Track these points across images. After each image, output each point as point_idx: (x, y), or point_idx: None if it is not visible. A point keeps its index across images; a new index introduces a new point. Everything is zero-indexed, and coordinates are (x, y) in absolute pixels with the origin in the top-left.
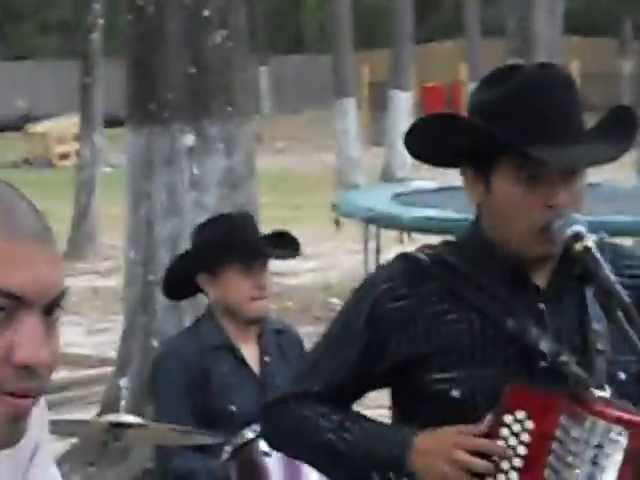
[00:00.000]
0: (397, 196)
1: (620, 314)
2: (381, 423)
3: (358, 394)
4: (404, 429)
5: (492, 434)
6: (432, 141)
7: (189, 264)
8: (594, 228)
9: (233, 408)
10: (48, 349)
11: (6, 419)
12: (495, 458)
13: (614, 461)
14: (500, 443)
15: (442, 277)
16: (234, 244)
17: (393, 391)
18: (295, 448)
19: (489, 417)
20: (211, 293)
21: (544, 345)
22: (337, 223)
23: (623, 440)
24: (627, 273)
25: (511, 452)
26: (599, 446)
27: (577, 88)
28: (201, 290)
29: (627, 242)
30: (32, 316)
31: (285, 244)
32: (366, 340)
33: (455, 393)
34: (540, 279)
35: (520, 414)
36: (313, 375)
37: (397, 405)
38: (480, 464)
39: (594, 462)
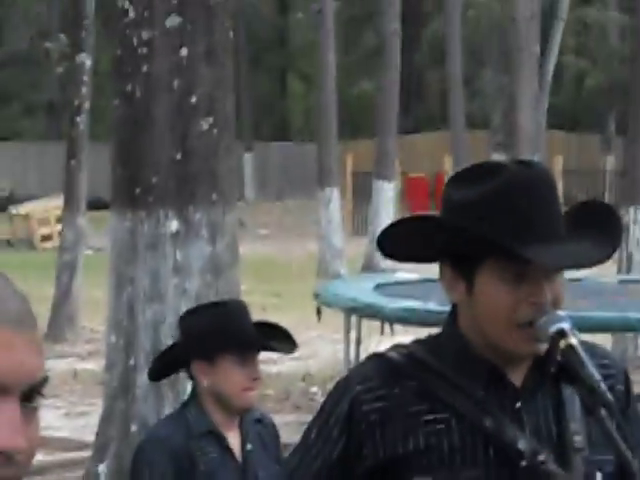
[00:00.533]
0: (379, 287)
1: (604, 412)
2: None
3: None
4: None
5: None
6: (413, 243)
7: (183, 352)
8: (577, 323)
9: None
10: (26, 436)
11: None
12: None
13: None
14: None
15: (417, 377)
16: (233, 333)
17: None
18: None
19: None
20: (204, 381)
21: (522, 444)
22: (319, 312)
23: None
24: (602, 373)
25: None
26: None
27: (556, 186)
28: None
29: (607, 338)
30: (10, 402)
31: (276, 335)
32: (344, 444)
33: None
34: (516, 378)
35: None
36: None
37: None
38: None
39: None
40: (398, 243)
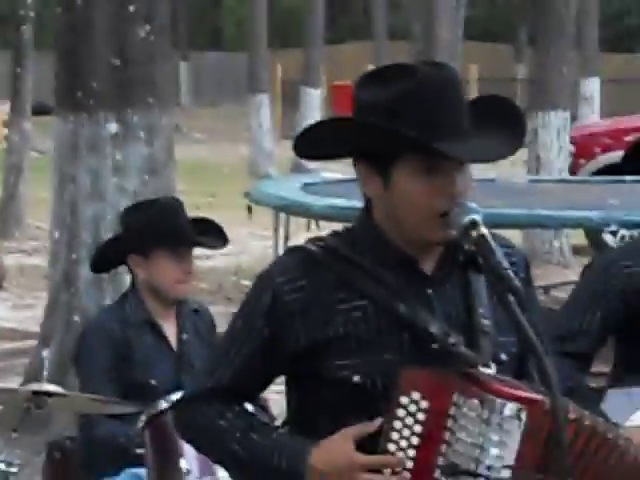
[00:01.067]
0: (306, 186)
1: (511, 297)
2: (282, 434)
3: (264, 384)
4: (299, 442)
5: (390, 414)
6: (327, 143)
7: (121, 246)
8: (489, 220)
9: (153, 382)
10: None
11: None
12: (395, 436)
13: (512, 436)
14: (397, 423)
15: (335, 267)
16: (166, 229)
17: (292, 378)
18: (203, 450)
19: (378, 420)
20: (140, 273)
21: (434, 328)
22: (249, 210)
23: (521, 415)
24: (506, 261)
25: (408, 432)
26: (498, 423)
27: (463, 86)
28: (122, 264)
29: (517, 233)
30: None
31: (209, 231)
32: (267, 333)
33: (356, 379)
34: (427, 266)
35: (415, 395)
36: (220, 370)
37: (297, 390)
38: (380, 479)
39: (494, 438)
40: (314, 144)
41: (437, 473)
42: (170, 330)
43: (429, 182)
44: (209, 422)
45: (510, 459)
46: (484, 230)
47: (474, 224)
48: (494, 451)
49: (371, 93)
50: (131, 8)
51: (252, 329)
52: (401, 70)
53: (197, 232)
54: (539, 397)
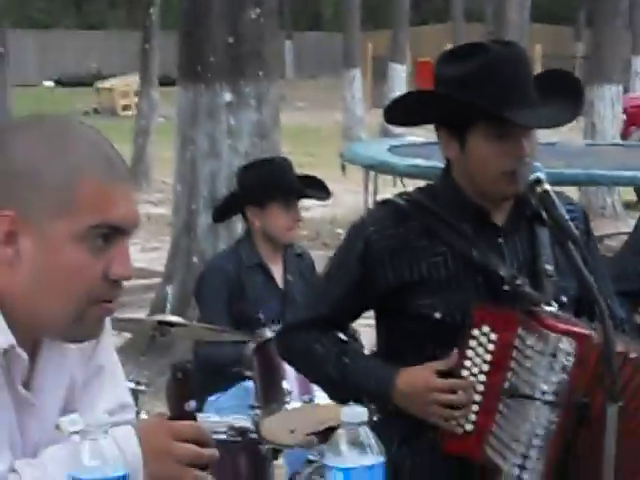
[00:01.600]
0: (392, 148)
1: (571, 245)
2: (371, 360)
3: (355, 316)
4: (387, 368)
5: (464, 345)
6: (414, 112)
7: (240, 199)
8: (550, 179)
9: (261, 316)
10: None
11: (100, 320)
12: (467, 363)
13: (564, 365)
14: (469, 352)
15: (419, 218)
16: (279, 184)
17: (382, 312)
18: (302, 371)
19: (454, 354)
20: (256, 222)
21: (503, 271)
22: (343, 168)
23: (571, 348)
24: (568, 215)
25: (479, 360)
26: (552, 354)
27: (530, 62)
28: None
29: (575, 190)
30: (124, 241)
31: (313, 185)
32: (360, 273)
33: (437, 315)
34: (499, 219)
35: (485, 328)
36: (319, 303)
37: (385, 324)
38: (452, 398)
39: (550, 367)
40: (401, 112)
41: (503, 395)
42: (277, 272)
43: (499, 146)
44: (307, 346)
45: (563, 385)
46: (547, 186)
47: (538, 181)
48: (549, 378)
49: (450, 69)
50: None
51: (347, 270)
52: (475, 48)
53: (304, 186)
54: (588, 331)
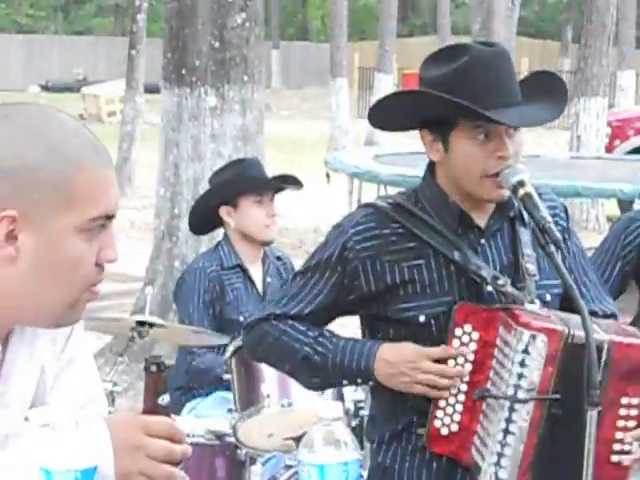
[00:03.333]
0: (377, 157)
1: (552, 247)
2: (350, 338)
3: (329, 318)
4: (368, 342)
5: (447, 344)
6: (397, 114)
7: (211, 199)
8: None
9: (241, 318)
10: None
11: (86, 303)
12: (451, 363)
13: (538, 361)
14: (452, 351)
15: (401, 220)
16: (250, 179)
17: (365, 318)
18: (276, 359)
19: (442, 346)
20: (231, 222)
21: (485, 272)
22: (328, 177)
23: (543, 344)
24: (549, 213)
25: (462, 360)
26: (524, 350)
27: (512, 61)
28: (219, 226)
29: None
30: (111, 225)
31: (287, 180)
32: (338, 275)
33: (422, 318)
34: (481, 221)
35: (467, 327)
36: (292, 301)
37: (369, 329)
38: (439, 367)
39: (522, 364)
40: (385, 115)
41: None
42: (257, 274)
43: (482, 146)
44: (280, 333)
45: (535, 381)
46: (530, 188)
47: (521, 183)
48: (523, 375)
49: (433, 70)
50: None
51: (324, 271)
52: (458, 49)
53: (277, 182)
54: (559, 327)
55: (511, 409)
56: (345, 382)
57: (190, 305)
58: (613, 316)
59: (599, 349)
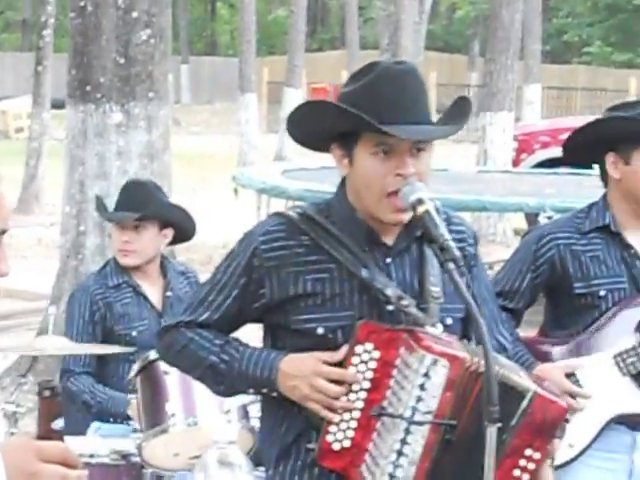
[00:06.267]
0: (285, 172)
1: (452, 266)
2: (256, 348)
3: (236, 326)
4: (272, 353)
5: (346, 362)
6: (308, 125)
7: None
8: (442, 205)
9: (134, 333)
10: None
11: None
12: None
13: (436, 386)
14: (352, 369)
15: (309, 232)
16: (116, 203)
17: (267, 326)
18: (185, 366)
19: (344, 348)
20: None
21: (389, 291)
22: (236, 192)
23: (444, 369)
24: (457, 237)
25: (361, 377)
26: (425, 374)
27: (422, 79)
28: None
29: (466, 216)
30: (1, 240)
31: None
32: (244, 283)
33: (320, 330)
34: (389, 238)
35: (368, 345)
36: (200, 308)
37: (270, 337)
38: (334, 389)
39: (422, 387)
40: (300, 129)
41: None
42: (152, 289)
43: (383, 162)
44: (188, 341)
45: (433, 406)
46: (429, 206)
47: (420, 201)
48: (421, 398)
49: (347, 87)
50: (134, 14)
51: (232, 278)
52: (370, 66)
53: (172, 214)
54: (462, 354)
55: (406, 431)
56: (251, 391)
57: (72, 323)
58: (504, 350)
59: (522, 395)
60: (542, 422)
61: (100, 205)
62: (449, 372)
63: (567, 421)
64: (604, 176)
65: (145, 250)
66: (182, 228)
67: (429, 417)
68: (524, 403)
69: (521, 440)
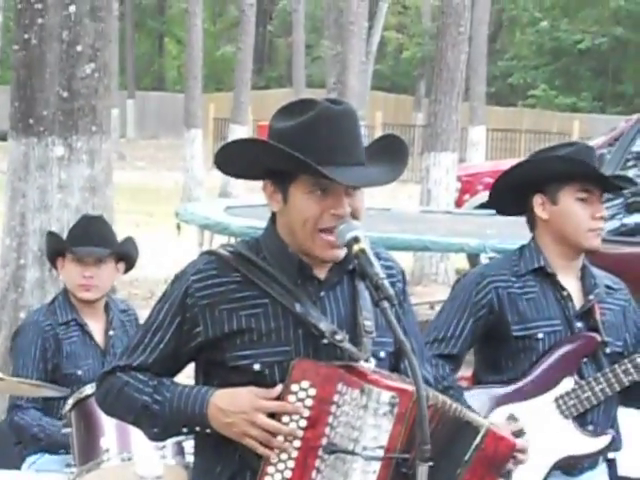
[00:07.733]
0: (229, 208)
1: (385, 303)
2: (188, 385)
3: (175, 368)
4: (203, 389)
5: (282, 399)
6: (242, 162)
7: (47, 252)
8: (384, 244)
9: (79, 372)
10: None
11: None
12: (285, 419)
13: (386, 420)
14: (288, 406)
15: (241, 269)
16: (72, 236)
17: (200, 364)
18: (121, 412)
19: (279, 386)
20: (61, 275)
21: (323, 326)
22: (178, 228)
23: (393, 403)
24: (386, 273)
25: (301, 411)
26: (375, 409)
27: (358, 120)
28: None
29: (409, 256)
30: None
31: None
32: (178, 322)
33: (256, 367)
34: (320, 273)
35: (305, 383)
36: (136, 351)
37: (203, 375)
38: (275, 425)
39: (370, 422)
40: (231, 161)
41: (320, 452)
42: (96, 327)
43: (319, 202)
44: (123, 384)
45: (383, 440)
46: (364, 245)
47: (356, 239)
48: (370, 433)
49: (281, 122)
50: (78, 48)
51: (167, 320)
52: (307, 104)
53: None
54: (410, 387)
55: (358, 466)
56: (185, 430)
57: (21, 359)
58: (430, 385)
59: (476, 431)
60: (493, 458)
61: (56, 240)
62: (399, 405)
63: (509, 474)
64: (531, 220)
65: (105, 285)
66: (133, 262)
67: (380, 452)
68: (477, 439)
69: (472, 475)
